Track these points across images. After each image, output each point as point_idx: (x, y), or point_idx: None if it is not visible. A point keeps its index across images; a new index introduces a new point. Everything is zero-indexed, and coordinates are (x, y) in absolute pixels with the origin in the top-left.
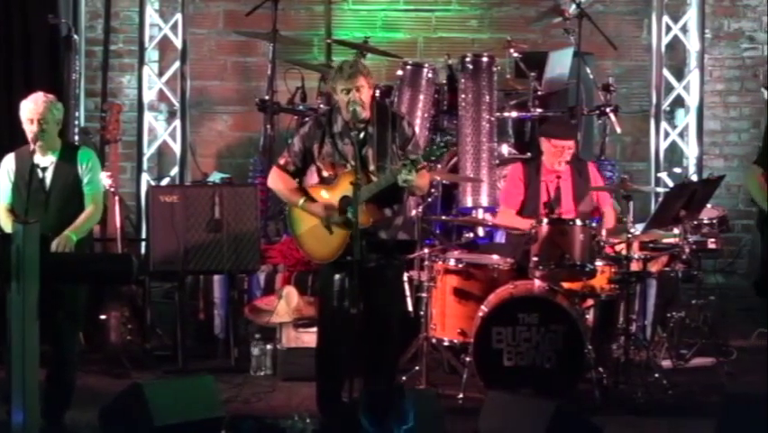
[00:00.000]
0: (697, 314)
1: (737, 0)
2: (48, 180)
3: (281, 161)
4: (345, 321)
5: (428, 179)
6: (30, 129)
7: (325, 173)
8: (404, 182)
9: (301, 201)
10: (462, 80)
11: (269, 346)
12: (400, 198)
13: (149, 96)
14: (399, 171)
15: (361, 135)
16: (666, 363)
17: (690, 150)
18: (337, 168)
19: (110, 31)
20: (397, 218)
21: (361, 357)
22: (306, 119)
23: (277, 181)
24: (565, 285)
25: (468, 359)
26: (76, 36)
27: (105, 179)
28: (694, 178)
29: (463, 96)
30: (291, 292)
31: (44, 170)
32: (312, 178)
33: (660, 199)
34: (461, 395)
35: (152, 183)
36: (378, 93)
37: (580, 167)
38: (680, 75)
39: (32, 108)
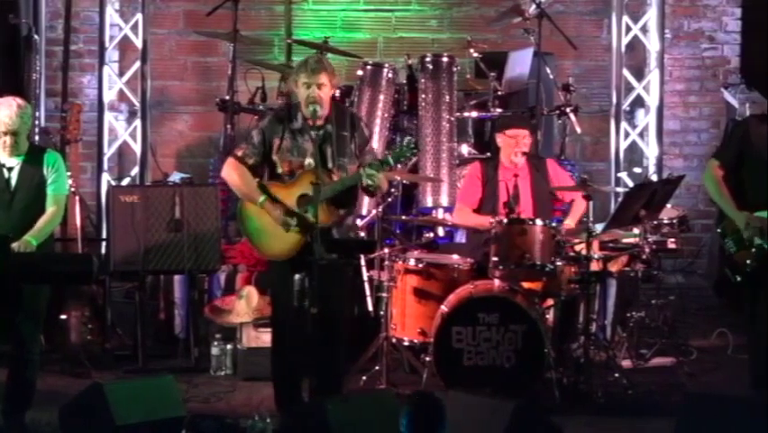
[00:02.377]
0: (657, 314)
1: (697, 0)
2: (13, 181)
3: (239, 153)
4: (303, 321)
5: (387, 180)
6: (1, 140)
7: (280, 170)
8: (369, 183)
9: (261, 199)
10: (422, 80)
11: (229, 346)
12: (354, 198)
13: (109, 96)
14: (367, 171)
15: (320, 133)
16: (626, 363)
17: (650, 150)
18: (294, 164)
19: (70, 31)
20: (349, 218)
21: (314, 356)
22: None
23: (232, 173)
24: (525, 285)
25: (428, 359)
26: (36, 36)
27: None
28: (654, 178)
29: (423, 96)
30: (251, 292)
31: (10, 170)
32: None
33: (620, 199)
34: None
35: (113, 183)
36: (338, 93)
37: (538, 165)
38: (640, 75)
39: (5, 122)
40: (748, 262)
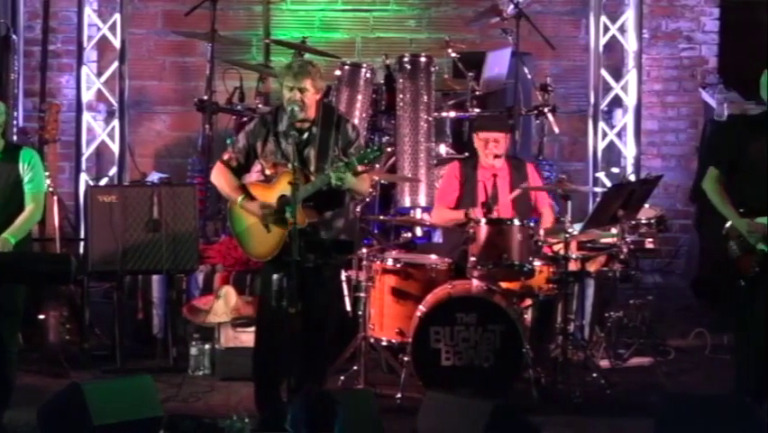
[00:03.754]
0: (635, 314)
1: (675, 0)
2: None
3: (225, 157)
4: (283, 321)
5: (368, 184)
6: None
7: (268, 171)
8: (337, 184)
9: (240, 199)
10: (400, 80)
11: (207, 346)
12: (341, 201)
13: (87, 95)
14: (333, 173)
15: (305, 136)
16: (604, 363)
17: (628, 150)
18: (279, 167)
19: (48, 31)
20: (338, 220)
21: (297, 357)
22: (244, 119)
23: (218, 177)
24: (503, 285)
25: (406, 359)
26: (14, 36)
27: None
28: (632, 178)
29: (401, 96)
30: (229, 292)
31: None
32: (253, 176)
33: (598, 199)
34: (399, 395)
35: (91, 183)
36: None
37: (518, 166)
38: (617, 75)
39: None
40: (754, 266)
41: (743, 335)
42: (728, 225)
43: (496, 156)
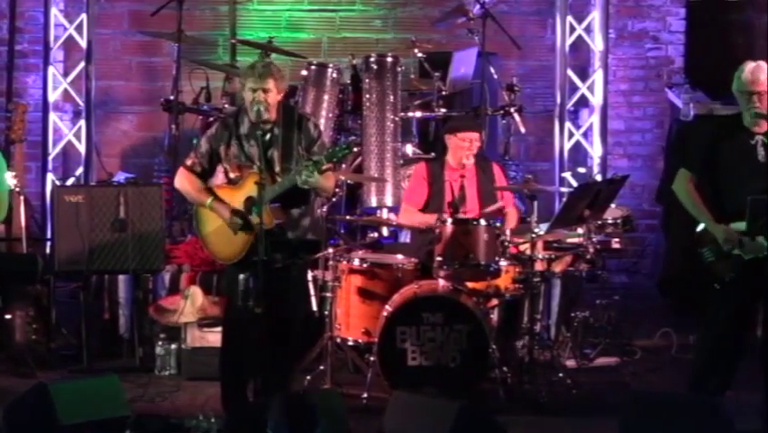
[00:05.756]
0: (601, 313)
1: (641, 0)
2: None
3: (188, 162)
4: (250, 321)
5: (333, 181)
6: None
7: (232, 174)
8: (305, 183)
9: (209, 201)
10: (367, 80)
11: (173, 346)
12: (307, 199)
13: (54, 96)
14: (300, 172)
15: (267, 137)
16: (570, 363)
17: (595, 150)
18: (243, 169)
19: (15, 31)
20: (304, 219)
21: (264, 357)
22: (211, 119)
23: (183, 182)
24: (469, 285)
25: (372, 359)
26: None
27: (10, 180)
28: (598, 177)
29: (368, 96)
30: (196, 292)
31: None
32: (218, 178)
33: (564, 199)
34: (365, 395)
35: (57, 183)
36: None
37: (484, 165)
38: (584, 75)
39: None
40: (730, 272)
41: (709, 336)
42: (700, 228)
43: (474, 156)
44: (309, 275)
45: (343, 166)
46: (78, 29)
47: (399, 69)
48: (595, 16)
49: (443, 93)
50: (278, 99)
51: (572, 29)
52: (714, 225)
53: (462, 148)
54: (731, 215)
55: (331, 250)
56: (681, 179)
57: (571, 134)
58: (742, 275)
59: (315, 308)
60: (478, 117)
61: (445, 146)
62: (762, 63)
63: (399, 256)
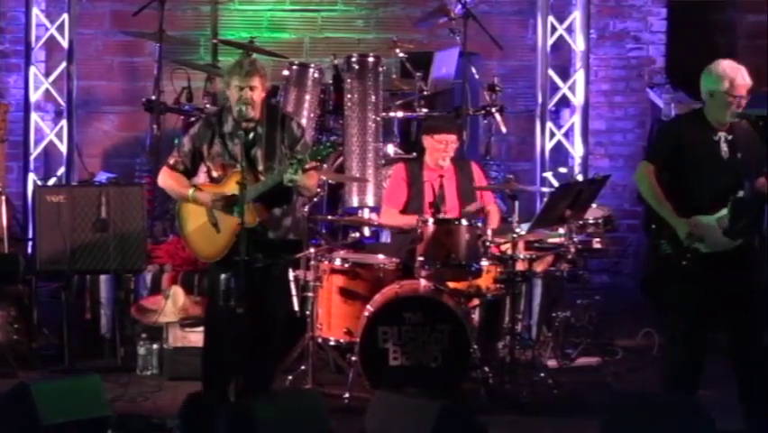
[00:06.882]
0: (582, 313)
1: (622, 0)
2: None
3: (171, 161)
4: (231, 321)
5: (316, 180)
6: None
7: (215, 173)
8: (289, 182)
9: (191, 191)
10: (348, 80)
11: (155, 346)
12: (289, 199)
13: (35, 96)
14: (285, 171)
15: (251, 136)
16: (552, 363)
17: (576, 150)
18: (227, 168)
19: None
20: (286, 219)
21: (246, 356)
22: (192, 119)
23: (166, 179)
24: (451, 285)
25: (354, 358)
26: None
27: None
28: (579, 177)
29: (349, 96)
30: (177, 292)
31: None
32: (200, 178)
33: (545, 199)
34: (347, 395)
35: (39, 183)
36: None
37: (463, 165)
38: (565, 75)
39: None
40: (684, 263)
41: (675, 336)
42: (661, 223)
43: (450, 159)
44: (291, 275)
45: (325, 166)
46: (60, 29)
47: (381, 69)
48: (576, 16)
49: (425, 93)
50: (262, 97)
51: (554, 29)
52: (676, 218)
53: (438, 150)
54: (695, 210)
55: (312, 250)
56: (642, 171)
57: (552, 134)
58: (699, 270)
59: (296, 307)
60: (459, 117)
61: (424, 146)
62: (740, 66)
63: (381, 256)
